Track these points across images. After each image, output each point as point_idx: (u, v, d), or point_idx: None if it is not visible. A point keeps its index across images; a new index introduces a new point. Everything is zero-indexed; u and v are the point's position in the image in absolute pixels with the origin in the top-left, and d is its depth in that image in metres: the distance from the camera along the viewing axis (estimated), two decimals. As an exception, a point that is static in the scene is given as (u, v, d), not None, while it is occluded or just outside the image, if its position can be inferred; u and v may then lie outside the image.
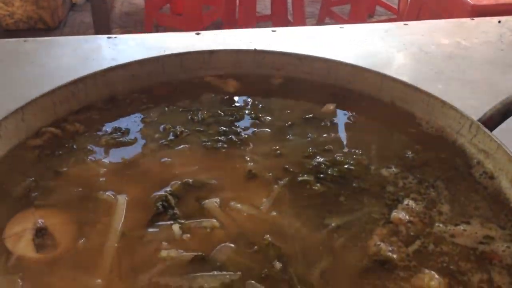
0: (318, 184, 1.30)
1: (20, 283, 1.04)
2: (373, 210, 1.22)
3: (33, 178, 1.31)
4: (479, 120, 1.38)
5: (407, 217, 1.19)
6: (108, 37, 2.52)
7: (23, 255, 1.10)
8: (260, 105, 1.64)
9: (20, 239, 1.13)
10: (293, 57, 1.72)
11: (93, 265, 1.08)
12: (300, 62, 1.71)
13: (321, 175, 1.33)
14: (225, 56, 1.74)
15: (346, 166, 1.36)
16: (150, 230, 1.17)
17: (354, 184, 1.30)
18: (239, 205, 1.24)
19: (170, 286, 1.04)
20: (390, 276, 1.06)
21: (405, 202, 1.23)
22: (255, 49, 1.75)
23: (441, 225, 1.17)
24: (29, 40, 2.47)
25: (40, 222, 1.17)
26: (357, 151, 1.42)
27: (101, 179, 1.31)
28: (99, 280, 1.05)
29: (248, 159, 1.40)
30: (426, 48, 2.52)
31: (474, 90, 2.17)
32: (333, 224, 1.18)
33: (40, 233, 1.15)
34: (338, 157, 1.40)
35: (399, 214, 1.19)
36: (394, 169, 1.34)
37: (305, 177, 1.32)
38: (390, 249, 1.11)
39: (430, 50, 2.51)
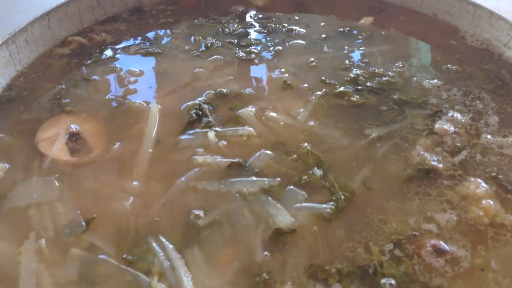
0: (356, 96, 1.24)
1: (57, 184, 1.02)
2: (415, 121, 1.17)
3: (62, 86, 1.27)
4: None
5: (452, 128, 1.14)
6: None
7: (57, 158, 1.07)
8: (295, 18, 1.56)
9: (53, 142, 1.10)
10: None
11: (129, 169, 1.06)
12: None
13: (360, 87, 1.27)
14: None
15: (386, 78, 1.30)
16: (185, 137, 1.13)
17: (394, 96, 1.24)
18: (275, 114, 1.20)
19: (207, 190, 1.01)
20: (434, 184, 1.03)
21: (450, 113, 1.18)
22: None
23: (488, 136, 1.12)
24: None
25: (72, 127, 1.14)
26: (396, 64, 1.35)
27: (131, 87, 1.27)
28: (137, 183, 1.02)
29: (283, 70, 1.34)
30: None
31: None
32: (373, 134, 1.14)
33: (73, 138, 1.12)
34: (377, 70, 1.33)
35: (444, 125, 1.14)
36: (437, 81, 1.28)
37: (343, 88, 1.27)
38: (435, 159, 1.07)
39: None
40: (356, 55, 1.40)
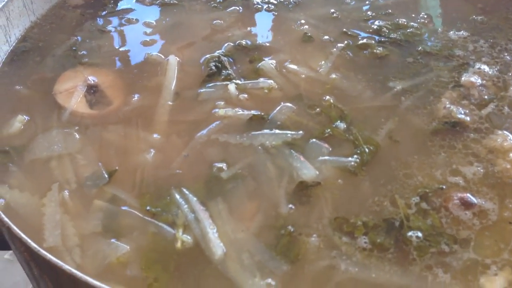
0: (380, 48, 1.21)
1: (77, 137, 1.01)
2: (441, 73, 1.14)
3: (78, 37, 1.24)
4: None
5: (479, 80, 1.11)
6: None
7: (76, 110, 1.06)
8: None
9: (72, 95, 1.08)
10: None
11: (149, 122, 1.04)
12: None
13: (383, 39, 1.24)
14: None
15: (410, 30, 1.26)
16: (204, 90, 1.11)
17: (419, 48, 1.21)
18: (296, 67, 1.17)
19: (229, 143, 1.00)
20: (460, 137, 1.01)
21: (477, 65, 1.14)
22: None
23: (517, 88, 1.09)
24: None
25: (90, 80, 1.12)
26: (421, 15, 1.31)
27: (148, 39, 1.24)
28: (157, 135, 1.01)
29: (303, 21, 1.30)
30: None
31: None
32: (398, 87, 1.11)
33: (91, 90, 1.10)
34: (400, 21, 1.29)
35: (470, 78, 1.11)
36: (463, 32, 1.24)
37: (366, 40, 1.23)
38: (462, 112, 1.04)
39: None
40: (379, 6, 1.36)
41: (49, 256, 0.70)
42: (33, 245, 0.72)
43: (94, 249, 0.84)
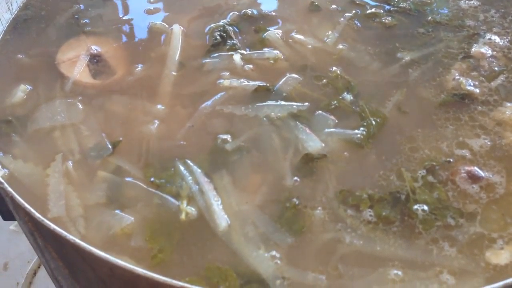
0: (388, 18, 1.18)
1: (80, 107, 1.00)
2: (450, 44, 1.11)
3: (80, 5, 1.22)
4: None
5: (489, 51, 1.08)
6: None
7: (79, 80, 1.04)
8: None
9: (75, 64, 1.07)
10: None
11: (153, 92, 1.03)
12: None
13: (392, 8, 1.21)
14: None
15: (419, -1, 1.23)
16: (209, 60, 1.09)
17: (429, 18, 1.18)
18: (302, 37, 1.14)
19: (234, 114, 0.99)
20: (467, 109, 0.99)
21: (487, 36, 1.12)
22: None
23: (528, 60, 1.07)
24: None
25: (93, 49, 1.10)
26: (431, -17, 1.28)
27: (152, 7, 1.22)
28: (161, 106, 1.00)
29: (310, -10, 1.27)
30: None
31: None
32: (406, 58, 1.09)
33: (94, 59, 1.08)
34: (410, -10, 1.26)
35: (480, 49, 1.08)
36: (474, 1, 1.21)
37: (374, 9, 1.20)
38: (471, 83, 1.02)
39: None
40: (388, -26, 1.32)
41: (53, 226, 0.70)
42: (37, 215, 0.71)
43: (99, 220, 0.83)
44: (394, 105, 1.00)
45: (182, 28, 1.15)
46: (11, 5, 1.18)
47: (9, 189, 0.74)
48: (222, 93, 1.02)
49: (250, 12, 1.20)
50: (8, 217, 0.99)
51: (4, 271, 1.62)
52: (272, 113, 0.98)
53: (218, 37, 1.12)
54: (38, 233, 0.75)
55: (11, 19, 1.18)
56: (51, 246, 0.76)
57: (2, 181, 0.76)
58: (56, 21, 1.18)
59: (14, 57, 1.09)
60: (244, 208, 0.85)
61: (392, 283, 0.76)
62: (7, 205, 0.89)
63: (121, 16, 1.20)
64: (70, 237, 0.69)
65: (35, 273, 1.60)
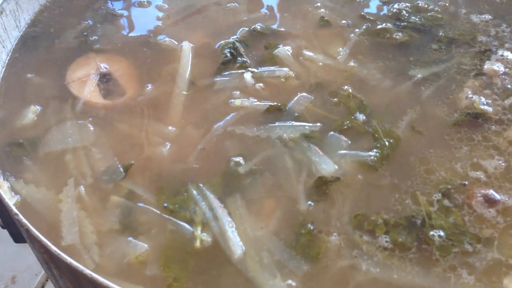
0: (399, 33, 1.17)
1: (91, 128, 0.99)
2: (463, 60, 1.11)
3: (89, 21, 1.21)
4: None
5: (502, 68, 1.07)
6: None
7: (89, 100, 1.04)
8: None
9: (85, 83, 1.06)
10: None
11: (164, 113, 1.02)
12: None
13: (403, 23, 1.20)
14: None
15: (430, 14, 1.22)
16: (220, 78, 1.08)
17: (440, 33, 1.17)
18: (313, 54, 1.13)
19: (246, 135, 0.98)
20: (481, 129, 0.98)
21: (499, 52, 1.11)
22: None
23: (541, 77, 1.06)
24: None
25: (103, 67, 1.09)
26: (442, -4, 1.27)
27: (161, 24, 1.21)
28: (172, 128, 0.99)
29: (319, 5, 1.26)
30: None
31: None
32: (418, 76, 1.08)
33: (104, 78, 1.08)
34: (420, 3, 1.25)
35: (493, 65, 1.08)
36: (485, 15, 1.20)
37: (385, 25, 1.19)
38: (484, 102, 1.02)
39: None
40: (398, -13, 1.31)
41: (69, 260, 0.69)
42: (53, 248, 0.71)
43: (113, 247, 0.83)
44: (407, 124, 0.99)
45: (191, 45, 1.14)
46: (19, 22, 1.17)
47: (24, 220, 0.74)
48: (233, 114, 1.01)
49: (259, 27, 1.19)
50: (20, 239, 0.99)
51: (12, 284, 1.61)
52: (285, 134, 0.97)
53: (228, 55, 1.12)
54: (53, 264, 0.75)
55: (19, 36, 1.17)
56: (66, 277, 0.75)
57: (17, 212, 0.75)
58: (65, 39, 1.17)
59: (23, 77, 1.09)
60: (258, 234, 0.84)
61: (410, 313, 0.75)
62: (18, 228, 0.89)
63: (130, 32, 1.19)
64: (87, 271, 0.68)
65: (43, 286, 1.59)
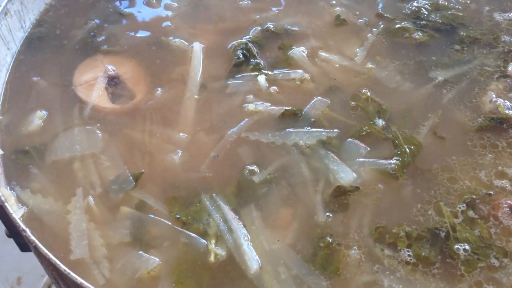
0: (419, 32, 1.12)
1: (100, 135, 0.95)
2: (485, 62, 1.06)
3: (96, 20, 1.17)
4: None
5: (527, 70, 1.03)
6: None
7: (97, 104, 1.00)
8: None
9: (92, 87, 1.02)
10: None
11: (175, 118, 0.98)
12: None
13: (422, 22, 1.15)
14: None
15: (451, 12, 1.17)
16: (232, 81, 1.04)
17: (461, 33, 1.12)
18: (329, 55, 1.09)
19: (261, 142, 0.94)
20: (506, 135, 0.94)
21: (524, 53, 1.06)
22: None
23: None
24: None
25: (111, 70, 1.05)
26: (463, -7, 1.22)
27: (170, 23, 1.17)
28: (183, 134, 0.95)
29: (335, 2, 1.21)
30: None
31: None
32: (439, 78, 1.04)
33: (113, 82, 1.04)
34: (440, 1, 1.20)
35: (518, 68, 1.03)
36: (509, 14, 1.15)
37: (403, 23, 1.15)
38: (509, 106, 0.97)
39: None
40: (416, -17, 1.26)
41: (80, 280, 0.66)
42: (63, 267, 0.68)
43: (123, 261, 0.80)
44: (428, 130, 0.95)
45: (202, 46, 1.10)
46: (24, 22, 1.13)
47: (32, 237, 0.71)
48: (247, 119, 0.97)
49: (273, 27, 1.14)
50: (26, 249, 0.96)
51: (18, 285, 1.59)
52: (301, 141, 0.93)
53: (241, 56, 1.07)
54: (63, 282, 0.72)
55: (24, 37, 1.13)
56: (76, 295, 0.72)
57: (25, 228, 0.72)
58: (72, 39, 1.13)
59: (29, 80, 1.05)
60: (275, 247, 0.81)
61: (436, 334, 0.72)
62: (24, 239, 0.86)
63: (138, 33, 1.15)
64: (98, 292, 0.65)
65: (50, 288, 1.57)
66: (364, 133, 0.94)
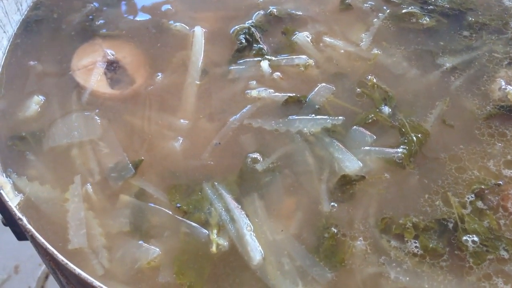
0: (426, 18, 1.09)
1: (98, 121, 0.93)
2: (494, 48, 1.03)
3: (95, 3, 1.14)
4: None
5: (537, 57, 1.00)
6: None
7: (96, 90, 0.97)
8: None
9: (91, 72, 1.00)
10: None
11: (176, 104, 0.96)
12: None
13: (429, 7, 1.12)
14: None
15: (459, -4, 1.14)
16: (235, 67, 1.02)
17: (470, 18, 1.09)
18: (333, 40, 1.06)
19: (264, 129, 0.92)
20: (514, 124, 0.92)
21: (535, 40, 1.03)
22: None
23: None
24: None
25: (110, 54, 1.02)
26: (471, -23, 1.18)
27: (170, 7, 1.13)
28: (185, 121, 0.93)
29: (340, -14, 1.18)
30: None
31: None
32: (447, 65, 1.01)
33: (112, 66, 1.01)
34: (448, -15, 1.17)
35: (528, 54, 1.00)
36: (519, 0, 1.12)
37: (410, 8, 1.12)
38: (519, 93, 0.95)
39: None
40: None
41: (78, 270, 0.64)
42: (60, 257, 0.66)
43: (123, 251, 0.78)
44: (436, 118, 0.93)
45: (204, 30, 1.07)
46: (21, 5, 1.10)
47: (29, 226, 0.69)
48: (249, 106, 0.94)
49: (276, 11, 1.11)
50: (23, 237, 0.94)
51: (15, 274, 1.57)
52: (305, 128, 0.91)
53: (244, 41, 1.04)
54: (60, 272, 0.69)
55: (21, 20, 1.10)
56: (74, 286, 0.70)
57: (21, 216, 0.70)
58: (70, 22, 1.10)
59: (25, 64, 1.02)
60: (278, 237, 0.79)
61: (444, 327, 0.70)
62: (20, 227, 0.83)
63: (138, 16, 1.12)
64: (97, 283, 0.63)
65: (47, 277, 1.55)
66: (370, 120, 0.92)
